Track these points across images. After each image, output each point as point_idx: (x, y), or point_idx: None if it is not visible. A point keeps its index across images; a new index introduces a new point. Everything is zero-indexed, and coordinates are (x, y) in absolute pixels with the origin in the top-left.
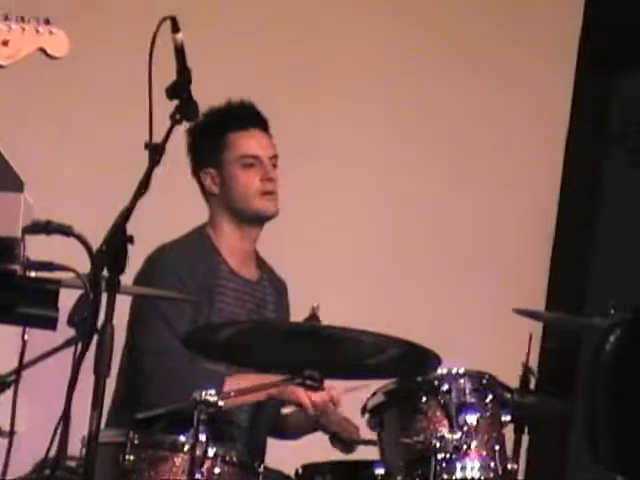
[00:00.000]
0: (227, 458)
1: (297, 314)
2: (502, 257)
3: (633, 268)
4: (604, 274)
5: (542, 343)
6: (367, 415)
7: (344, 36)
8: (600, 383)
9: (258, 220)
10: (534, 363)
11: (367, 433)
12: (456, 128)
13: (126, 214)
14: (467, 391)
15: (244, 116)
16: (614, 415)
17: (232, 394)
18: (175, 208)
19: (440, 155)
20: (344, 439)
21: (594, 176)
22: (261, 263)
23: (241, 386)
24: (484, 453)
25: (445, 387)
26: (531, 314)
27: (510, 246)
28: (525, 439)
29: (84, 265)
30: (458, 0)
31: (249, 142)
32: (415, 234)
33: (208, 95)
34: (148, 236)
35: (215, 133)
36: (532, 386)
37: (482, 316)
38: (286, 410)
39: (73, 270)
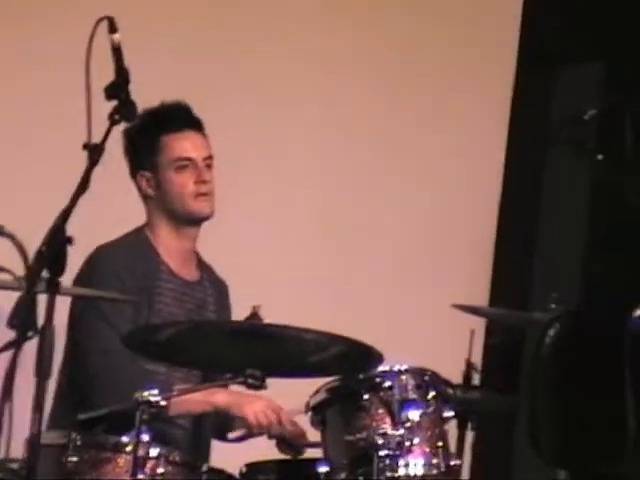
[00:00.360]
0: (170, 458)
1: (239, 314)
2: (445, 253)
3: (575, 262)
4: (548, 268)
5: (486, 339)
6: (310, 413)
7: (281, 37)
8: (540, 377)
9: (194, 221)
10: (478, 359)
11: (311, 431)
12: (394, 128)
13: (65, 215)
14: (409, 387)
15: (177, 117)
16: (555, 409)
17: (174, 394)
18: (114, 209)
19: (380, 155)
20: (291, 444)
21: (536, 171)
22: (201, 264)
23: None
24: (427, 449)
25: (387, 384)
26: (472, 309)
27: (453, 242)
28: (470, 435)
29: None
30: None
31: (182, 144)
32: (356, 232)
33: (144, 96)
34: (87, 236)
35: (149, 135)
36: (475, 382)
37: (426, 313)
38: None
39: (8, 271)
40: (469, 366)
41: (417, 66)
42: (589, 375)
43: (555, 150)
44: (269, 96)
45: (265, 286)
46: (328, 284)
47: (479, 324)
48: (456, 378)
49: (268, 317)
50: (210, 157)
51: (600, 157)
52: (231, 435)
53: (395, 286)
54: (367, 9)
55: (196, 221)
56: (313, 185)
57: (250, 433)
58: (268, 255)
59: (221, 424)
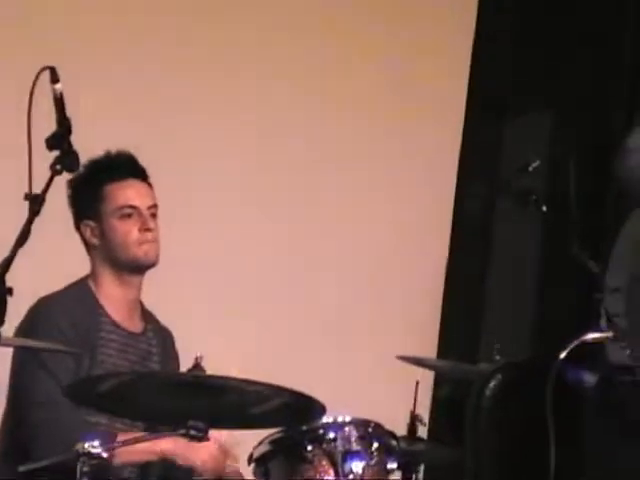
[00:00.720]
0: None
1: (183, 364)
2: (392, 303)
3: (521, 314)
4: (498, 319)
5: (434, 391)
6: (253, 464)
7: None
8: (481, 427)
9: (138, 269)
10: (426, 411)
11: None
12: (343, 171)
13: (5, 265)
14: (353, 439)
15: (121, 166)
16: (496, 457)
17: (118, 444)
18: (56, 259)
19: (325, 200)
20: None
21: (485, 221)
22: (146, 314)
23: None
24: None
25: (330, 435)
26: (416, 361)
27: (401, 292)
28: None
29: None
30: (343, 44)
31: (126, 193)
32: (300, 282)
33: (88, 146)
34: (28, 288)
35: (93, 185)
36: (421, 434)
37: (373, 364)
38: None
39: None
40: (414, 418)
41: (367, 106)
42: (529, 426)
43: (505, 199)
44: (217, 146)
45: (208, 336)
46: (271, 334)
47: (427, 376)
48: (403, 430)
49: (211, 368)
50: (154, 206)
51: (545, 208)
52: None
53: (340, 336)
54: (312, 33)
55: (141, 268)
56: (253, 233)
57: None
58: (212, 305)
59: (167, 474)
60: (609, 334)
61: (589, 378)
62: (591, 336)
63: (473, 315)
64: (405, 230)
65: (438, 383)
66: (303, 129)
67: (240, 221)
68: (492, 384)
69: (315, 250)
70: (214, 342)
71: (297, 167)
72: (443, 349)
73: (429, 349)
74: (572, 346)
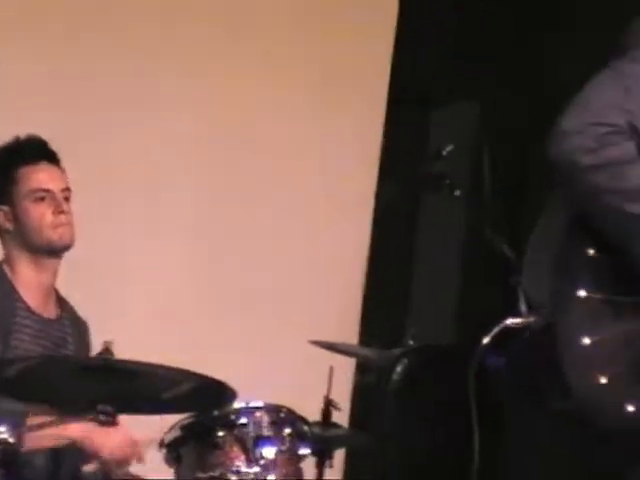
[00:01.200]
0: None
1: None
2: (312, 289)
3: (446, 300)
4: (422, 305)
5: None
6: (164, 450)
7: (139, 60)
8: (388, 411)
9: (53, 252)
10: (346, 397)
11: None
12: (266, 167)
13: None
14: (264, 424)
15: (32, 150)
16: (402, 444)
17: (25, 430)
18: None
19: (246, 192)
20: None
21: (409, 209)
22: (61, 302)
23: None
24: None
25: (242, 421)
26: (329, 346)
27: (321, 278)
28: (329, 472)
29: None
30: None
31: (39, 176)
32: (216, 267)
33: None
34: None
35: (4, 168)
36: (340, 420)
37: (293, 349)
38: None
39: None
40: (328, 403)
41: (283, 99)
42: (437, 409)
43: (420, 184)
44: (134, 130)
45: (121, 323)
46: (183, 319)
47: (349, 362)
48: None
49: (124, 354)
50: (67, 189)
51: (458, 193)
52: (85, 468)
53: (255, 321)
54: (231, 38)
55: (56, 251)
56: (173, 220)
57: (105, 468)
58: (124, 292)
59: (76, 458)
60: (530, 319)
61: (498, 361)
62: (512, 321)
63: (396, 301)
64: (325, 215)
65: (359, 369)
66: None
67: (148, 206)
68: (399, 368)
69: (231, 233)
70: (123, 328)
71: (220, 155)
72: (366, 336)
73: (350, 335)
74: (495, 332)
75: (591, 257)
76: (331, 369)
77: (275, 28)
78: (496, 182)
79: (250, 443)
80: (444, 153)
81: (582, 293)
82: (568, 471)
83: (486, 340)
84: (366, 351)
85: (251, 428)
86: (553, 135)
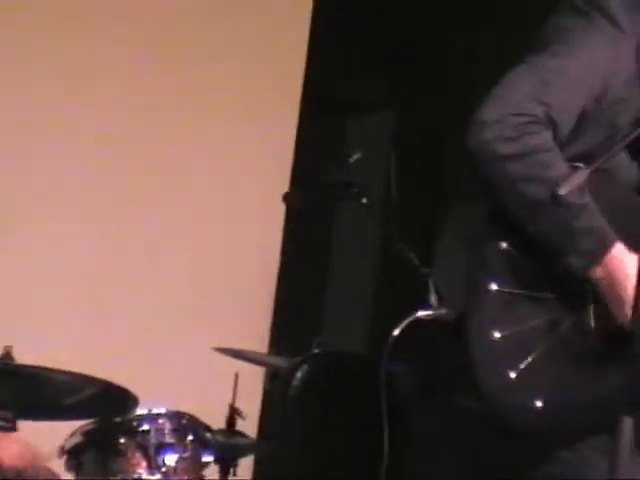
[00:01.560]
0: None
1: None
2: (217, 298)
3: (360, 307)
4: (337, 314)
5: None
6: (65, 457)
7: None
8: (289, 417)
9: None
10: (256, 405)
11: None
12: (176, 170)
13: None
14: (166, 431)
15: None
16: (304, 449)
17: None
18: None
19: (154, 196)
20: None
21: (324, 217)
22: None
23: None
24: None
25: (144, 427)
26: (233, 353)
27: (231, 286)
28: None
29: None
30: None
31: None
32: (119, 273)
33: None
34: None
35: None
36: (246, 428)
37: (201, 357)
38: None
39: None
40: (233, 411)
41: (194, 101)
42: (338, 414)
43: (328, 192)
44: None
45: (18, 325)
46: (86, 323)
47: (259, 371)
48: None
49: (24, 359)
50: None
51: (365, 201)
52: None
53: (160, 327)
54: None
55: None
56: (69, 220)
57: (3, 477)
58: (24, 296)
59: None
60: (441, 311)
61: (399, 367)
62: (422, 313)
63: (308, 310)
64: (235, 222)
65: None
66: (137, 130)
67: (49, 210)
68: (299, 375)
69: (137, 238)
70: (24, 333)
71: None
72: (276, 344)
73: (260, 343)
74: (405, 323)
75: (504, 250)
76: (236, 376)
77: (184, 28)
78: (410, 190)
79: (152, 450)
80: (351, 160)
81: (493, 287)
82: (476, 472)
83: (396, 332)
84: (273, 359)
85: (153, 435)
86: (471, 126)
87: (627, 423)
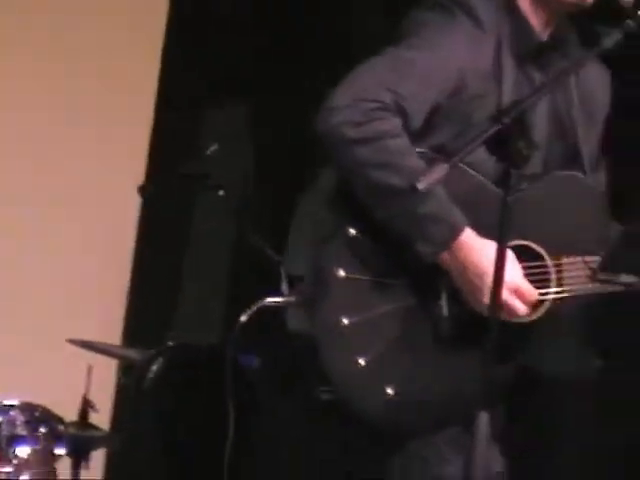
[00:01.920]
0: None
1: None
2: (71, 286)
3: (216, 302)
4: (191, 306)
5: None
6: None
7: None
8: (142, 409)
9: None
10: (109, 397)
11: None
12: (29, 162)
13: None
14: (18, 423)
15: None
16: (158, 441)
17: None
18: None
19: (7, 187)
20: None
21: (181, 208)
22: None
23: None
24: None
25: None
26: (85, 344)
27: (82, 274)
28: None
29: None
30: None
31: None
32: None
33: None
34: None
35: None
36: (98, 420)
37: (54, 348)
38: None
39: None
40: (85, 403)
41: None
42: (193, 407)
43: (183, 185)
44: None
45: None
46: None
47: (112, 363)
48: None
49: None
50: None
51: (222, 193)
52: None
53: (12, 317)
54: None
55: None
56: None
57: None
58: None
59: None
60: (290, 298)
61: (254, 361)
62: (271, 299)
63: (163, 302)
64: (90, 213)
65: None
66: None
67: None
68: (154, 367)
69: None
70: None
71: None
72: (130, 337)
73: (114, 336)
74: (253, 309)
75: (352, 237)
76: (89, 368)
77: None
78: (268, 182)
79: (4, 442)
80: (208, 152)
81: (342, 273)
82: (325, 465)
83: (243, 318)
84: (126, 351)
85: (5, 427)
86: (321, 111)
87: (483, 418)
